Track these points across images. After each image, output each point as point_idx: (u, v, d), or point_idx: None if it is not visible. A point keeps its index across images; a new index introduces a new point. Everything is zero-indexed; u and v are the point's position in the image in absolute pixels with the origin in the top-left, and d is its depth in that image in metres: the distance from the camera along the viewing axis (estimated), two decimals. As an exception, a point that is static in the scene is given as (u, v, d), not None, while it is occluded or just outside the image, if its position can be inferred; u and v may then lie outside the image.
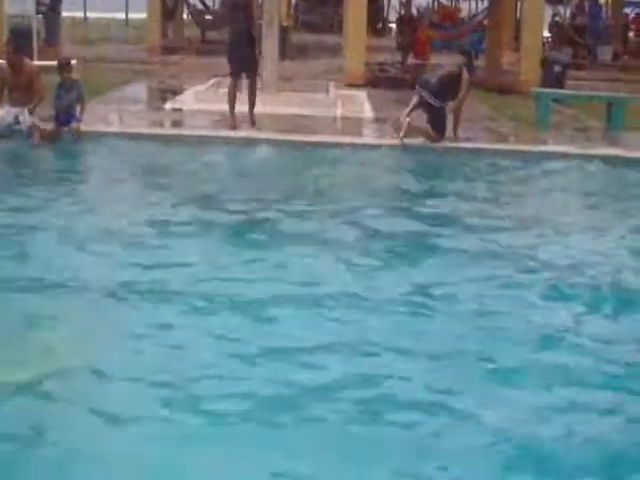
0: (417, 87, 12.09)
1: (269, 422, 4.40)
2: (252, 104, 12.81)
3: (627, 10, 34.49)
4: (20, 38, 15.77)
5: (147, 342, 5.31)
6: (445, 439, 4.31)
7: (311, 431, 4.37)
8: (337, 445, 4.23)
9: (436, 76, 12.00)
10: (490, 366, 5.14)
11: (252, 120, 12.75)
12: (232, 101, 12.63)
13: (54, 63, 12.60)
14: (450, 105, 12.04)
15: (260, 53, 13.20)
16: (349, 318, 5.78)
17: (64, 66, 12.02)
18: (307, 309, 5.95)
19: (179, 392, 4.68)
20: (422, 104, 11.96)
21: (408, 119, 12.09)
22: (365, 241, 7.72)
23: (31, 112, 11.60)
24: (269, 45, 15.15)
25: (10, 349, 5.14)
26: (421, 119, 12.16)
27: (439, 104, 11.87)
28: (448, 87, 11.92)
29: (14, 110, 11.69)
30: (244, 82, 12.84)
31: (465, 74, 12.06)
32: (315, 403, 4.64)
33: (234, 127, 12.49)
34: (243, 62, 12.65)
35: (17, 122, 11.65)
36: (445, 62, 13.66)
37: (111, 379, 4.80)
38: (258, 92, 13.20)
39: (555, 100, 15.09)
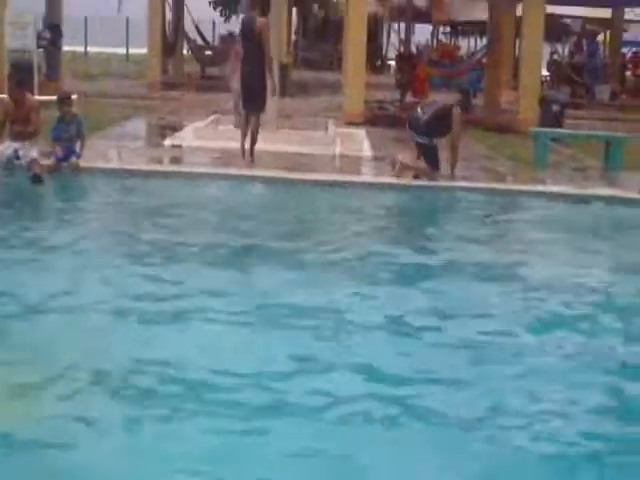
0: (407, 128, 12.19)
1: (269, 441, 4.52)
2: (254, 141, 12.90)
3: (624, 50, 34.77)
4: (21, 72, 15.87)
5: (147, 363, 5.41)
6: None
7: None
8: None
9: (427, 113, 12.02)
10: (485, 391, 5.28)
11: (251, 157, 12.83)
12: (244, 133, 12.95)
13: (55, 98, 12.66)
14: (443, 141, 12.12)
15: (270, 91, 13.37)
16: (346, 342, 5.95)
17: (64, 100, 12.08)
18: (299, 335, 6.09)
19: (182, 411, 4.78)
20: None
21: (400, 156, 12.20)
22: (355, 275, 7.73)
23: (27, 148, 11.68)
24: (268, 83, 15.22)
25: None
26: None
27: (428, 142, 11.94)
28: (439, 123, 11.97)
29: (15, 144, 11.73)
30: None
31: (456, 111, 12.12)
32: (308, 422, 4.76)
33: (243, 155, 12.80)
34: (253, 100, 12.85)
35: (17, 156, 11.68)
36: (440, 99, 13.74)
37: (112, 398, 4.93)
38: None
39: (553, 139, 15.15)
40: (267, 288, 7.18)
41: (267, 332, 6.14)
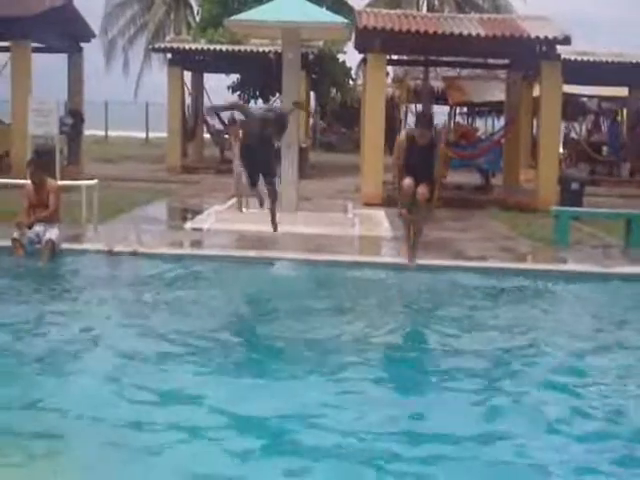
0: None
1: None
2: (273, 213, 12.28)
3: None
4: (43, 157, 16.06)
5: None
6: None
7: None
8: None
9: None
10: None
11: (274, 227, 12.38)
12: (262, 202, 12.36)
13: (75, 182, 12.78)
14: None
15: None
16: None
17: None
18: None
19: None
20: None
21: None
22: (364, 360, 7.69)
23: (30, 225, 11.76)
24: (288, 167, 15.38)
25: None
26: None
27: None
28: None
29: (37, 228, 11.82)
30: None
31: None
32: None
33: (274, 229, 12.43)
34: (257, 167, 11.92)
35: (39, 241, 11.74)
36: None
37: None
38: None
39: (574, 218, 15.09)
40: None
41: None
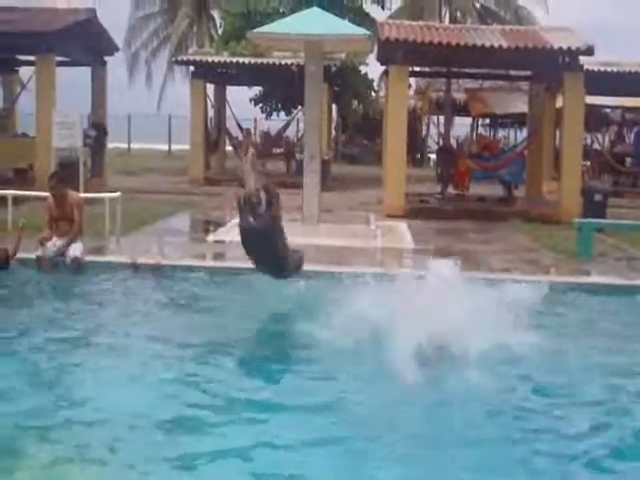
0: None
1: None
2: None
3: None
4: (67, 170, 16.14)
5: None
6: None
7: None
8: None
9: None
10: None
11: None
12: None
13: (98, 195, 12.80)
14: None
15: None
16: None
17: None
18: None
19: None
20: None
21: None
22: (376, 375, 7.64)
23: (67, 245, 11.80)
24: (310, 179, 15.39)
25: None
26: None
27: None
28: None
29: (59, 242, 11.85)
30: None
31: None
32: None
33: None
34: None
35: (62, 254, 11.78)
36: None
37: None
38: (298, 223, 13.21)
39: (597, 229, 14.99)
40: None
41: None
